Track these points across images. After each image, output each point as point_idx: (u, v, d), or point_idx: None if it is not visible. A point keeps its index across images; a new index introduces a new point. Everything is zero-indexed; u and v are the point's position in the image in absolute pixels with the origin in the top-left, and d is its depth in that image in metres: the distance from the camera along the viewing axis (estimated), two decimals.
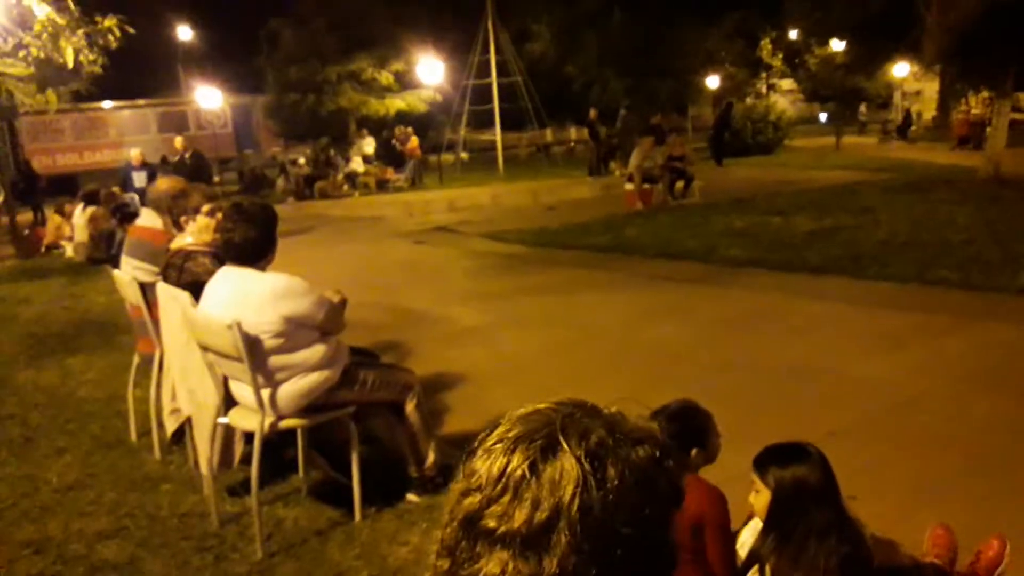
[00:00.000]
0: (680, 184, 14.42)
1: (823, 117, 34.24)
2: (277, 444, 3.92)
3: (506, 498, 0.84)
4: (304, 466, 3.85)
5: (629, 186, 14.28)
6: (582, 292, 8.12)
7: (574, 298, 7.88)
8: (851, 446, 4.08)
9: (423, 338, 6.55)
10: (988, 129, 16.02)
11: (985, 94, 16.58)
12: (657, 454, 0.90)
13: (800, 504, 2.11)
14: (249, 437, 3.42)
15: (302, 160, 22.17)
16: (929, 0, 11.88)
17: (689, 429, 2.49)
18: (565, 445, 0.85)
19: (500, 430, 0.91)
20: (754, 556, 2.20)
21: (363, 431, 3.63)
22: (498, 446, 0.88)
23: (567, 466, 0.84)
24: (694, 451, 2.49)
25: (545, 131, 28.71)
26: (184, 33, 34.29)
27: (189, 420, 3.82)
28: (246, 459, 3.49)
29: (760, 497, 2.21)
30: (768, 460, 2.22)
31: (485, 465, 0.88)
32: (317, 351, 3.32)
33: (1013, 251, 8.25)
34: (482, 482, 0.87)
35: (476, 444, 0.92)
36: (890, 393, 4.85)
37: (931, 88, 33.27)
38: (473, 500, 0.87)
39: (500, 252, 10.70)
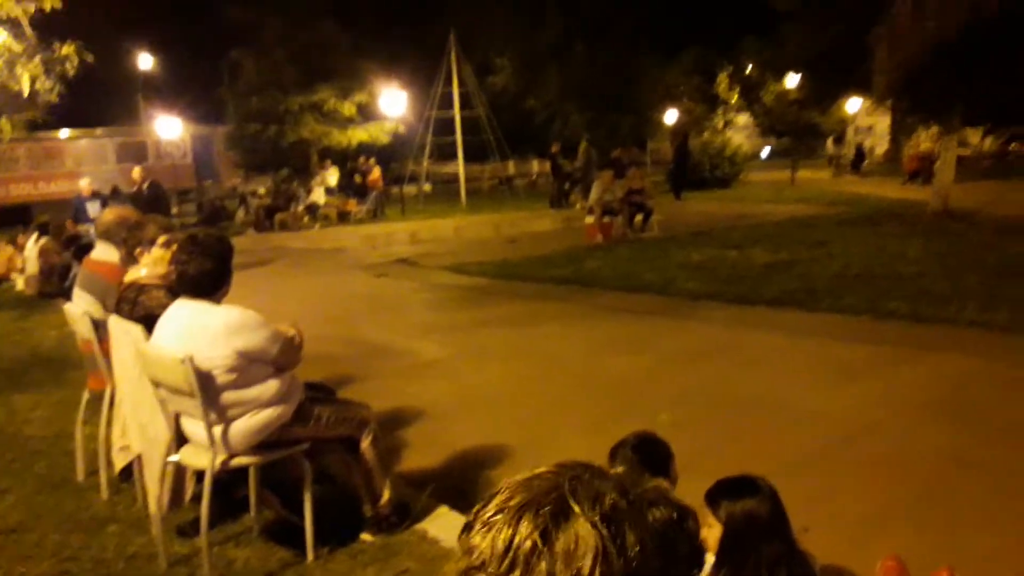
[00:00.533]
0: (639, 217, 14.59)
1: (764, 153, 34.98)
2: (229, 483, 3.84)
3: (516, 574, 0.77)
4: (256, 505, 3.77)
5: (589, 219, 14.41)
6: (543, 324, 8.14)
7: (536, 330, 7.90)
8: (805, 477, 4.13)
9: (382, 371, 6.50)
10: (937, 164, 16.50)
11: (934, 129, 17.11)
12: (675, 515, 0.84)
13: (751, 538, 2.13)
14: (200, 476, 3.35)
15: (262, 191, 22.02)
16: (878, 37, 12.26)
17: (652, 459, 2.54)
18: (577, 510, 0.78)
19: (499, 499, 0.82)
20: None
21: (317, 468, 3.57)
22: (499, 516, 0.80)
23: (583, 533, 0.77)
24: (660, 479, 2.51)
25: (507, 163, 28.94)
26: (144, 62, 34.00)
27: (139, 458, 3.73)
28: (196, 498, 3.41)
29: (712, 531, 2.23)
30: (719, 494, 2.24)
31: (488, 539, 0.79)
32: (271, 387, 3.28)
33: (961, 284, 8.48)
34: (485, 558, 0.79)
35: (472, 517, 0.83)
36: (843, 424, 4.93)
37: (883, 123, 34.30)
38: None
39: (462, 284, 10.70)
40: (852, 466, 4.33)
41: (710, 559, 2.29)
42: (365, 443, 3.55)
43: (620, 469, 2.31)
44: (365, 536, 3.55)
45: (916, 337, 6.79)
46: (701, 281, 9.47)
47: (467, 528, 0.83)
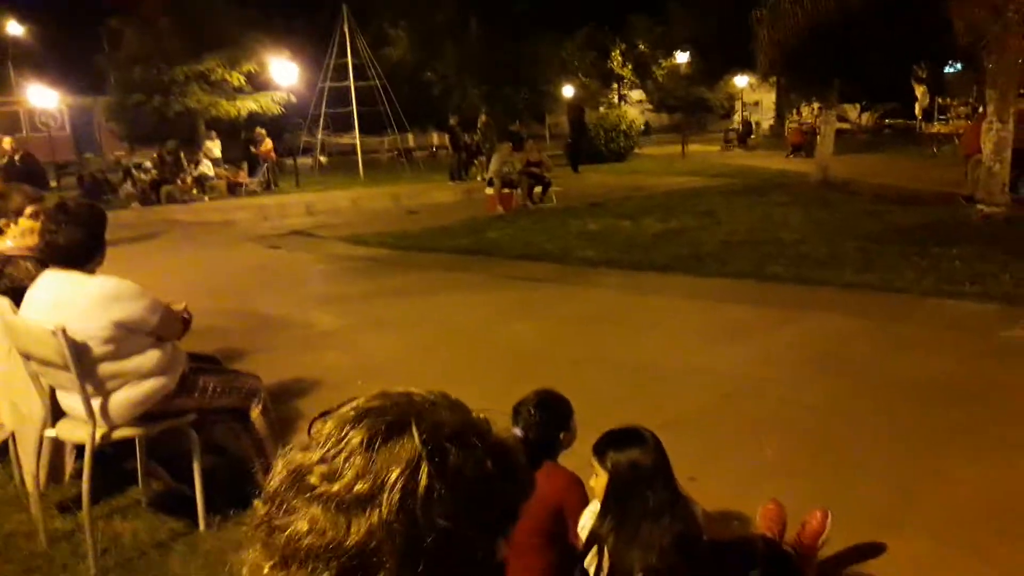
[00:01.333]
0: (538, 189, 14.73)
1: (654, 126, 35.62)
2: (114, 456, 3.69)
3: (337, 460, 0.84)
4: (143, 477, 3.64)
5: (489, 190, 14.44)
6: (443, 293, 8.12)
7: (435, 299, 7.88)
8: (694, 432, 4.30)
9: (276, 344, 6.35)
10: (818, 137, 17.30)
11: (815, 105, 17.95)
12: (506, 469, 0.90)
13: (635, 486, 2.20)
14: (81, 450, 3.20)
15: (148, 163, 20.99)
16: (760, 17, 12.70)
17: (555, 415, 2.60)
18: (414, 429, 0.85)
19: (360, 400, 0.90)
20: (593, 537, 2.27)
21: (207, 439, 3.47)
22: (350, 412, 0.88)
23: (407, 447, 0.84)
24: (562, 435, 2.59)
25: (406, 136, 28.56)
26: (14, 28, 31.67)
27: (12, 436, 3.53)
28: (79, 474, 3.26)
29: (599, 480, 2.29)
30: (606, 445, 2.30)
31: (329, 426, 0.87)
32: (151, 357, 3.15)
33: (839, 249, 8.97)
34: (320, 440, 0.86)
35: (334, 408, 0.91)
36: (730, 381, 5.15)
37: (768, 99, 35.61)
38: (307, 455, 0.86)
39: (360, 256, 10.54)
40: (739, 420, 4.53)
41: (596, 506, 2.36)
42: (255, 413, 3.47)
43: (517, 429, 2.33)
44: (258, 504, 3.48)
45: (797, 299, 7.14)
46: (597, 249, 9.66)
47: (324, 414, 0.91)
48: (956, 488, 3.66)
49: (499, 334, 6.54)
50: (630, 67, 34.43)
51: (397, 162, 26.82)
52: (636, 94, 37.99)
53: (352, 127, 24.61)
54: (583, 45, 34.76)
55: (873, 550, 2.87)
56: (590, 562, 2.25)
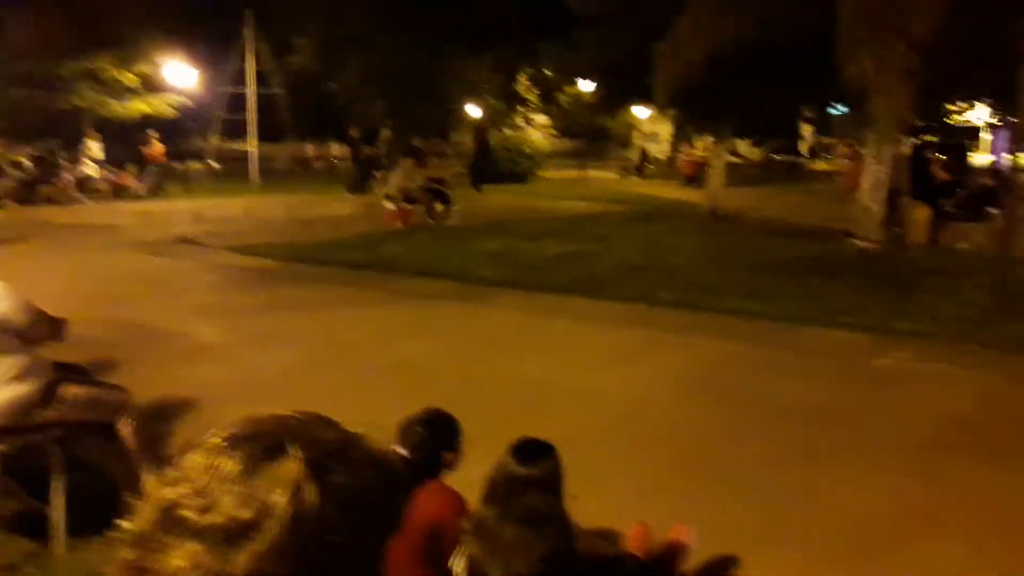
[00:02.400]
0: (440, 206, 14.69)
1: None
2: None
3: (212, 491, 0.78)
4: None
5: (389, 205, 14.31)
6: (335, 308, 7.95)
7: (326, 314, 7.70)
8: (580, 452, 4.30)
9: (152, 356, 6.05)
10: (709, 169, 18.00)
11: (709, 138, 18.73)
12: (387, 483, 0.88)
13: (518, 489, 2.18)
14: None
15: (25, 161, 19.77)
16: (661, 51, 13.14)
17: (441, 434, 2.58)
18: (291, 450, 0.81)
19: (228, 428, 0.85)
20: (464, 535, 2.24)
21: (71, 455, 3.25)
22: (218, 442, 0.82)
23: (287, 469, 0.80)
24: (448, 454, 2.55)
25: (305, 145, 27.97)
26: None
27: None
28: None
29: None
30: (513, 450, 2.28)
31: (198, 458, 0.81)
32: (8, 363, 2.94)
33: (725, 277, 9.32)
34: (190, 474, 0.81)
35: (199, 439, 0.84)
36: (619, 403, 5.24)
37: (665, 130, 36.80)
38: (176, 490, 0.80)
39: (248, 266, 10.21)
40: (624, 441, 4.61)
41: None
42: (123, 428, 3.28)
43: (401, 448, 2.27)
44: (124, 524, 3.28)
45: (685, 324, 7.36)
46: (496, 269, 9.69)
47: (187, 447, 0.84)
48: (825, 506, 3.83)
49: (392, 351, 6.45)
50: (536, 92, 34.91)
51: (294, 171, 26.25)
52: (541, 118, 38.53)
53: (250, 134, 23.94)
54: (493, 67, 34.99)
55: (729, 563, 2.96)
56: (456, 561, 2.22)
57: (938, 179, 13.62)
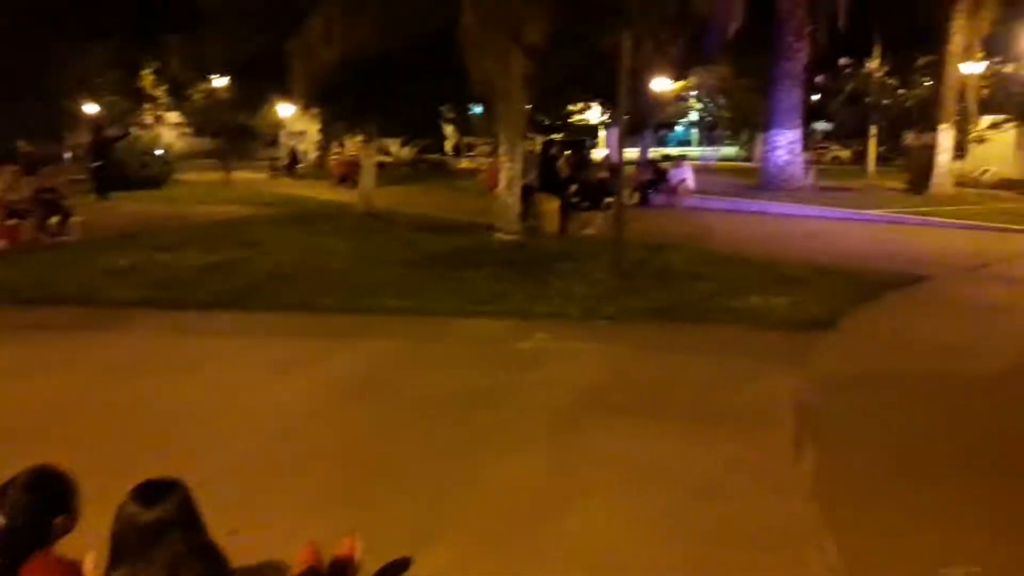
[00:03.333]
0: (55, 219, 12.90)
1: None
2: None
3: None
4: None
5: None
6: None
7: None
8: (239, 480, 4.08)
9: None
10: (361, 169, 18.09)
11: (359, 137, 18.77)
12: None
13: (146, 543, 1.95)
14: None
15: None
16: (295, 48, 12.83)
17: (48, 496, 2.18)
18: None
19: None
20: None
21: None
22: None
23: None
24: (58, 519, 2.17)
25: None
26: None
27: None
28: None
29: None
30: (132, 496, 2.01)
31: None
32: None
33: (381, 276, 9.47)
34: None
35: None
36: (279, 420, 5.03)
37: (314, 129, 36.27)
38: None
39: None
40: (290, 460, 4.43)
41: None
42: None
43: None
44: None
45: (344, 328, 7.32)
46: (130, 288, 8.77)
47: None
48: (486, 488, 4.05)
49: (8, 393, 5.52)
50: (165, 88, 32.31)
51: None
52: (173, 116, 35.74)
53: None
54: (109, 59, 31.61)
55: (399, 567, 2.99)
56: None
57: (563, 173, 15.16)
